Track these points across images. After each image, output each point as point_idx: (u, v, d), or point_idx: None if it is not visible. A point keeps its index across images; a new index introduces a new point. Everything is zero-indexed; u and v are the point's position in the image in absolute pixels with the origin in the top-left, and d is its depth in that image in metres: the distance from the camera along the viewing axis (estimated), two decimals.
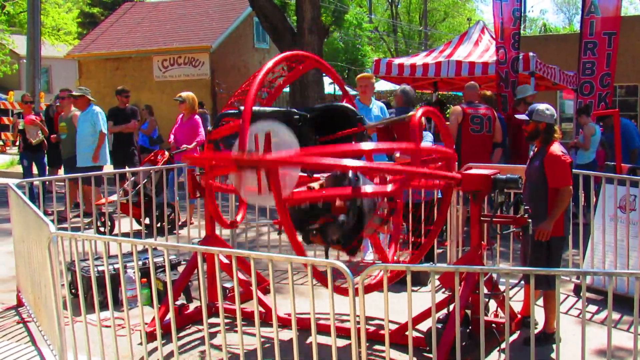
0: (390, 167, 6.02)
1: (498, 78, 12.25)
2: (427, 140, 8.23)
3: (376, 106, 8.89)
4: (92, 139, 10.97)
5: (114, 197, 9.25)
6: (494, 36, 14.46)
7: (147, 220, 10.18)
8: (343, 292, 5.94)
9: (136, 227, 9.53)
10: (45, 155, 13.27)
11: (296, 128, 5.93)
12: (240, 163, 5.02)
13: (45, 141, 12.92)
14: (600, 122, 12.21)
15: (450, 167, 6.26)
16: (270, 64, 5.73)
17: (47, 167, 13.38)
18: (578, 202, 9.45)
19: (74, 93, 11.19)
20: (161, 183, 9.91)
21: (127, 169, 11.19)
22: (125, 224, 9.28)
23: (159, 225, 10.01)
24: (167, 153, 10.79)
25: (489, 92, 11.16)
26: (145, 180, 9.90)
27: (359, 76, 9.19)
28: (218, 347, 5.67)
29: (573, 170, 6.19)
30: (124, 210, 9.51)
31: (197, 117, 11.15)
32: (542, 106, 6.10)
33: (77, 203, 11.87)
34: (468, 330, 5.60)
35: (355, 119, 6.45)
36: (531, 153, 6.31)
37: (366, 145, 6.11)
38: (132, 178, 10.06)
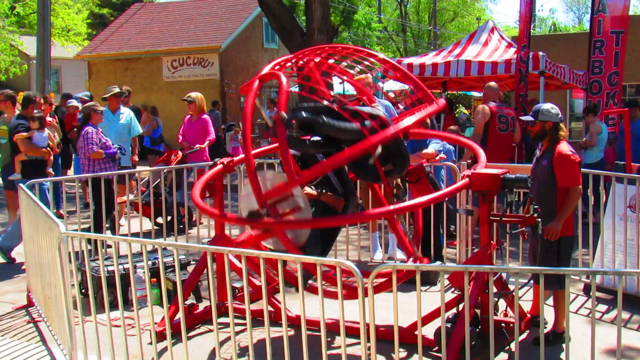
0: None
1: (519, 76, 12.21)
2: (436, 148, 8.26)
3: (381, 105, 8.86)
4: (126, 138, 11.00)
5: (130, 197, 9.28)
6: (503, 35, 14.46)
7: (160, 220, 10.21)
8: (352, 295, 5.97)
9: (147, 227, 9.56)
10: (60, 157, 13.07)
11: None
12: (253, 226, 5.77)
13: (61, 144, 12.75)
14: (610, 121, 12.18)
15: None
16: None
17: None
18: (588, 201, 9.43)
19: (118, 91, 11.14)
20: (176, 183, 9.91)
21: (135, 168, 11.19)
22: (135, 224, 9.31)
23: (179, 225, 10.02)
24: (180, 153, 10.82)
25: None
26: (158, 180, 9.94)
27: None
28: (227, 346, 5.69)
29: (582, 169, 6.17)
30: (138, 210, 9.56)
31: (205, 116, 11.17)
32: (546, 105, 6.09)
33: (87, 203, 11.91)
34: (477, 329, 5.59)
35: None
36: (537, 152, 6.29)
37: None
38: (146, 178, 10.09)
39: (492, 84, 10.65)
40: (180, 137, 11.17)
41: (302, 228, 5.71)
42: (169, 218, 10.14)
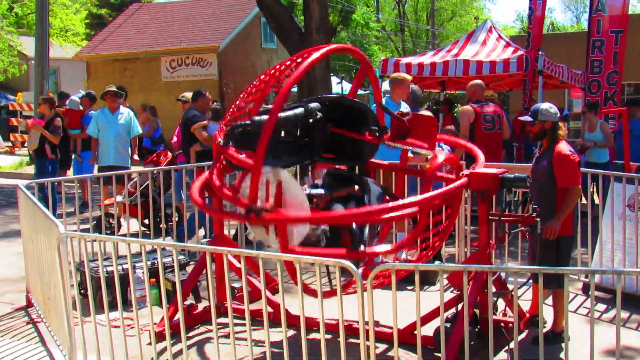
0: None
1: (532, 77, 12.21)
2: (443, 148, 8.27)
3: (404, 106, 8.93)
4: (126, 138, 10.99)
5: (119, 198, 9.26)
6: (501, 35, 14.45)
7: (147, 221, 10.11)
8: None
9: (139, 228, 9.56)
10: (50, 162, 12.19)
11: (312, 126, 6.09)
12: (252, 222, 5.43)
13: (48, 147, 12.01)
14: (610, 120, 12.19)
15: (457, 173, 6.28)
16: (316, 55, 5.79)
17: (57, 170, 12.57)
18: (606, 194, 9.41)
19: (114, 90, 11.10)
20: (165, 184, 9.85)
21: (132, 169, 11.13)
22: (134, 224, 9.30)
23: (162, 226, 9.96)
24: (169, 154, 10.80)
25: (489, 93, 11.17)
26: (149, 181, 9.87)
27: (394, 75, 9.38)
28: (226, 346, 5.68)
29: (583, 169, 6.18)
30: (129, 212, 9.53)
31: None
32: (545, 105, 6.10)
33: (85, 203, 11.88)
34: (476, 329, 5.59)
35: (371, 124, 6.47)
36: (537, 152, 6.30)
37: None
38: (135, 179, 10.03)
39: (477, 81, 10.62)
40: (175, 138, 11.13)
41: (302, 223, 5.64)
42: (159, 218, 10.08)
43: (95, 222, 9.08)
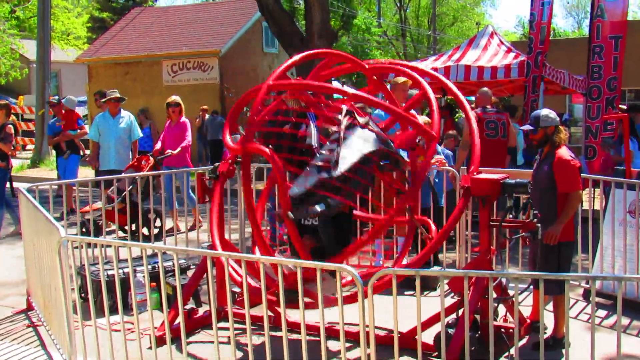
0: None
1: (533, 83, 12.23)
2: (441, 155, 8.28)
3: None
4: (127, 143, 10.96)
5: (99, 205, 9.19)
6: (503, 40, 14.48)
7: (133, 227, 9.95)
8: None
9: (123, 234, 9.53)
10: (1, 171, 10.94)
11: None
12: None
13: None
14: (608, 126, 12.19)
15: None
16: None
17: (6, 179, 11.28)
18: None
19: (118, 96, 11.04)
20: (147, 189, 9.65)
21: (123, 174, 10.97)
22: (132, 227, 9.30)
23: (144, 231, 9.77)
24: (151, 159, 10.66)
25: (493, 99, 11.19)
26: (131, 186, 9.66)
27: (393, 79, 9.33)
28: (227, 351, 5.69)
29: (583, 174, 6.18)
30: (110, 218, 9.45)
31: (184, 119, 11.07)
32: (544, 111, 6.11)
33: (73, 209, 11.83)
34: (477, 335, 5.59)
35: None
36: (537, 157, 6.30)
37: None
38: (116, 184, 9.86)
39: (485, 89, 10.64)
40: (159, 144, 11.06)
41: None
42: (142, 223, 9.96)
43: (94, 227, 9.03)
